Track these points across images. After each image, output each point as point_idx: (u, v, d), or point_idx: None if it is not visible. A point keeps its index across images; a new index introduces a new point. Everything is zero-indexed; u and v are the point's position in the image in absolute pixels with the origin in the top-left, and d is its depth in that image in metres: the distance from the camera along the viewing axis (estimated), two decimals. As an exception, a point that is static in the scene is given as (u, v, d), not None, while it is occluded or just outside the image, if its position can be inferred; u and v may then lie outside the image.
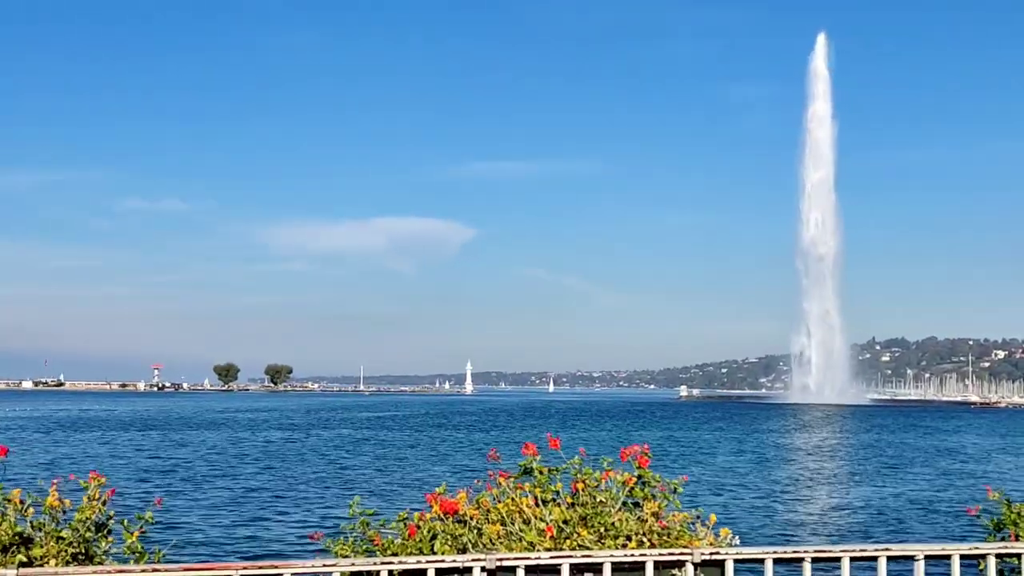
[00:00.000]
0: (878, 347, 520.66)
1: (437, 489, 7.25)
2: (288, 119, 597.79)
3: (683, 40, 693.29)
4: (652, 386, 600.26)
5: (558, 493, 7.19)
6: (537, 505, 7.05)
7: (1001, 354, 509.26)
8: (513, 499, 7.07)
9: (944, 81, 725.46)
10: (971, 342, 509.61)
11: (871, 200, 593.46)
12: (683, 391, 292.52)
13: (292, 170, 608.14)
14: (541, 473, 7.22)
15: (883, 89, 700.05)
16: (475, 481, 7.58)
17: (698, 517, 7.18)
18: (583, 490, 7.10)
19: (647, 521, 6.99)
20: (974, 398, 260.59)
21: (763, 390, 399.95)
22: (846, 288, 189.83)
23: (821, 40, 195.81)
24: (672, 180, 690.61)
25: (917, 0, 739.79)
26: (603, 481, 7.21)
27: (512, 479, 7.33)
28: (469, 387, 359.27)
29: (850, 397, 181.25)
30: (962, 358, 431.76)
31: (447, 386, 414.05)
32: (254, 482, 37.01)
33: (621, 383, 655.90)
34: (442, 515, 7.04)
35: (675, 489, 7.27)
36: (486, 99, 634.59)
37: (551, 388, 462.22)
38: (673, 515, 7.16)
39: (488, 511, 7.11)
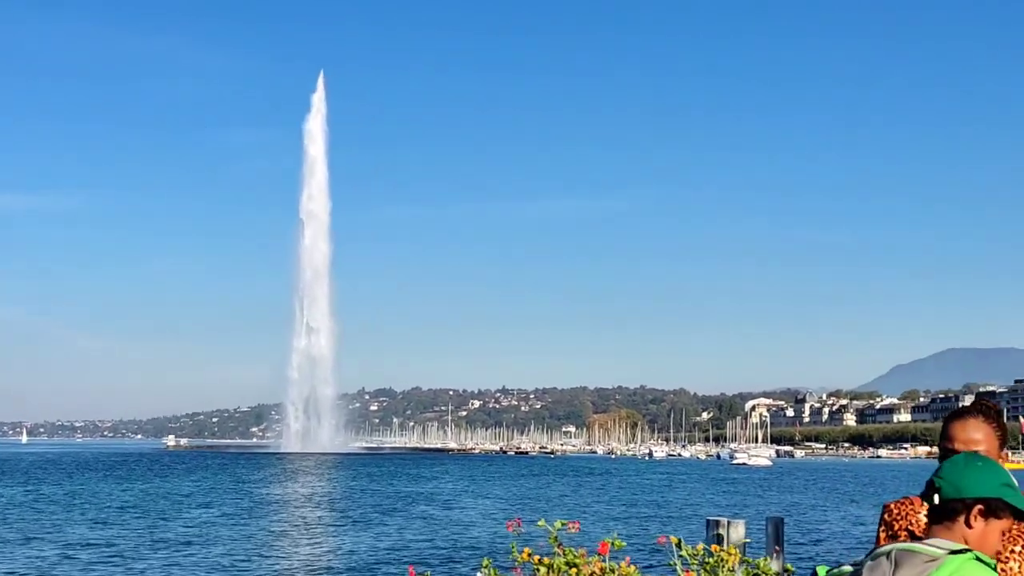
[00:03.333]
0: (367, 396, 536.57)
1: None
2: None
3: (186, 82, 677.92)
4: (139, 436, 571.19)
5: None
6: None
7: (477, 403, 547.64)
8: None
9: (433, 143, 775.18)
10: (451, 392, 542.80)
11: (362, 250, 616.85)
12: (170, 441, 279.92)
13: None
14: None
15: (376, 147, 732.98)
16: None
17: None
18: None
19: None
20: (452, 445, 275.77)
21: (254, 439, 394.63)
22: (338, 336, 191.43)
23: (320, 81, 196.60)
24: (164, 222, 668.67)
25: (417, 65, 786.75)
26: None
27: None
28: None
29: (340, 445, 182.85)
30: (443, 407, 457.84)
31: None
32: None
33: (106, 433, 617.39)
34: None
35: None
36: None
37: (24, 439, 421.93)
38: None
39: None
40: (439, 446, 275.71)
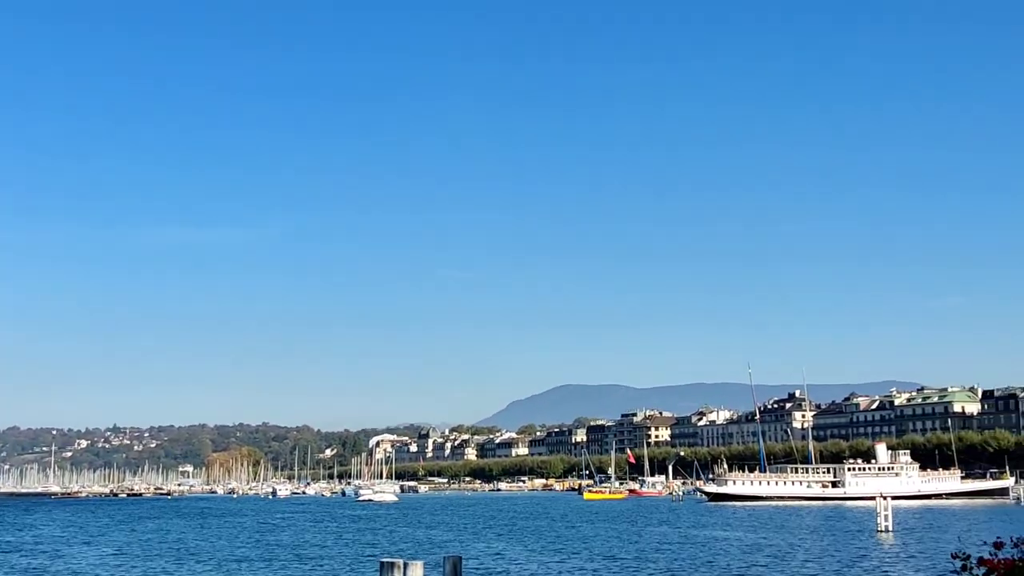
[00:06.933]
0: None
1: None
2: None
3: None
4: None
5: None
6: None
7: (84, 443, 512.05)
8: None
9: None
10: (55, 431, 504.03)
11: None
12: None
13: None
14: None
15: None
16: None
17: None
18: None
19: None
20: (55, 488, 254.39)
21: None
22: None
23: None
24: None
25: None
26: None
27: None
28: None
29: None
30: (45, 448, 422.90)
31: None
32: None
33: None
34: None
35: None
36: None
37: None
38: None
39: None
40: (39, 490, 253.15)
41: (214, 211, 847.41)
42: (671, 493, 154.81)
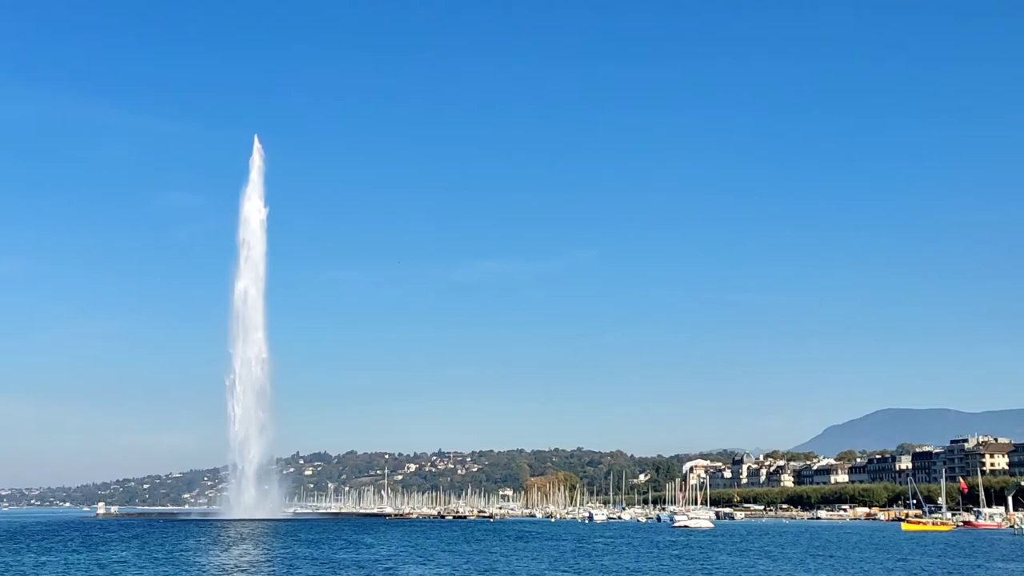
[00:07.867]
0: (302, 461, 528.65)
1: None
2: None
3: (114, 145, 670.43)
4: (68, 504, 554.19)
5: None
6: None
7: (413, 467, 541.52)
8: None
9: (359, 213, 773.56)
10: (387, 456, 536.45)
11: (297, 313, 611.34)
12: (100, 508, 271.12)
13: None
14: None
15: (311, 210, 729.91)
16: None
17: None
18: None
19: None
20: (388, 509, 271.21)
21: (187, 506, 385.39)
22: (273, 402, 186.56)
23: (256, 146, 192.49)
24: (92, 285, 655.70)
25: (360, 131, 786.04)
26: None
27: None
28: None
29: (276, 511, 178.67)
30: (379, 471, 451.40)
31: None
32: None
33: (33, 501, 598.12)
34: None
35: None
36: None
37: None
38: None
39: None
40: (376, 511, 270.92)
41: (520, 241, 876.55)
42: (1012, 526, 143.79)
